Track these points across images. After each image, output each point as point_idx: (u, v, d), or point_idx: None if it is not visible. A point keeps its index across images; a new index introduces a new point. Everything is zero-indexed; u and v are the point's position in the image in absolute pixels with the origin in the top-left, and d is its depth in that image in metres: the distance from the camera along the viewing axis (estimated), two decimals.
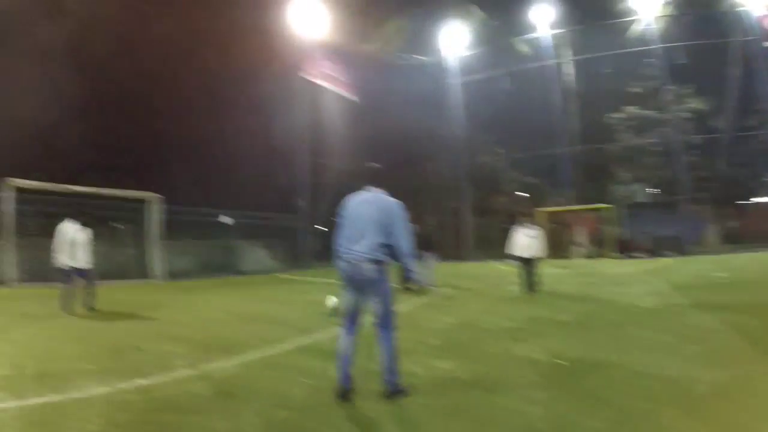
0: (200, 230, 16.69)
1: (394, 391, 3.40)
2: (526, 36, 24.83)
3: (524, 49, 24.86)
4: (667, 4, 22.55)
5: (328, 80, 23.98)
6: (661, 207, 24.13)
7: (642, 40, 22.80)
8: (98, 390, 3.74)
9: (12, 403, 3.48)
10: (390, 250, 3.51)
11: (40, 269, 11.50)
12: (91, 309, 7.44)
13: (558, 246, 22.83)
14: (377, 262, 3.46)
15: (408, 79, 25.15)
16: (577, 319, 6.40)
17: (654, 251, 21.24)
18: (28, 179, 11.49)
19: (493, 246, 21.31)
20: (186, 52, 18.37)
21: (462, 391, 3.57)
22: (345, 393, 3.38)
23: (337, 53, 24.27)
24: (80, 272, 7.47)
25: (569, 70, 24.69)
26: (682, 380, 3.61)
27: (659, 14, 22.68)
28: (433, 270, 10.79)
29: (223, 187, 19.32)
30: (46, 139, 15.24)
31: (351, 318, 3.57)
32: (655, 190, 24.86)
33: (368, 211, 3.55)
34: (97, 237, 8.16)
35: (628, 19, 23.11)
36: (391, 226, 3.49)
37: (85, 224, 7.70)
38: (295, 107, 21.54)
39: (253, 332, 5.99)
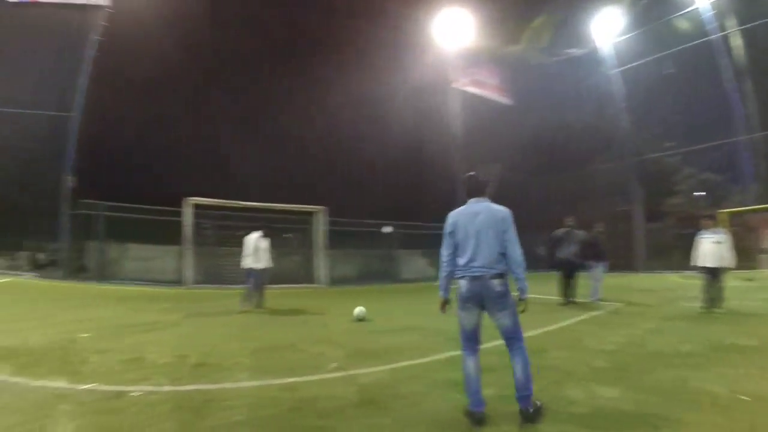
0: (362, 240, 17.85)
1: (534, 410, 3.22)
2: (683, 11, 21.19)
3: (684, 25, 21.19)
4: None
5: (480, 86, 23.82)
6: None
7: None
8: (249, 383, 4.16)
9: (167, 388, 4.03)
10: (506, 261, 3.35)
11: (214, 273, 13.62)
12: (259, 307, 8.67)
13: (741, 254, 18.89)
14: (501, 275, 3.31)
15: (562, 75, 23.72)
16: (763, 345, 5.64)
17: None
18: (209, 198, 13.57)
19: (668, 254, 18.73)
20: (343, 72, 19.81)
21: (626, 427, 3.17)
22: (480, 418, 3.21)
23: (486, 58, 24.02)
24: (259, 273, 8.79)
25: (737, 42, 20.26)
26: None
27: None
28: (602, 282, 10.06)
29: (384, 198, 20.42)
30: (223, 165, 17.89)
31: (474, 337, 3.44)
32: None
33: (482, 222, 3.39)
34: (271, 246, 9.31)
35: None
36: (505, 233, 3.35)
37: (265, 235, 9.05)
38: (449, 117, 21.81)
39: (407, 341, 6.12)
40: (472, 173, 3.64)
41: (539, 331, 6.76)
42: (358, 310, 7.85)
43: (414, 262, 18.66)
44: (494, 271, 3.29)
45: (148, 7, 15.87)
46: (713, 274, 8.05)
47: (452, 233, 3.51)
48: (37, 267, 13.99)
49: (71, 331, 6.31)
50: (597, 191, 23.53)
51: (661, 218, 21.97)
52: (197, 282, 13.05)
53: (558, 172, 24.52)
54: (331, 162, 20.43)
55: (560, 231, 10.07)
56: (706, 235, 8.19)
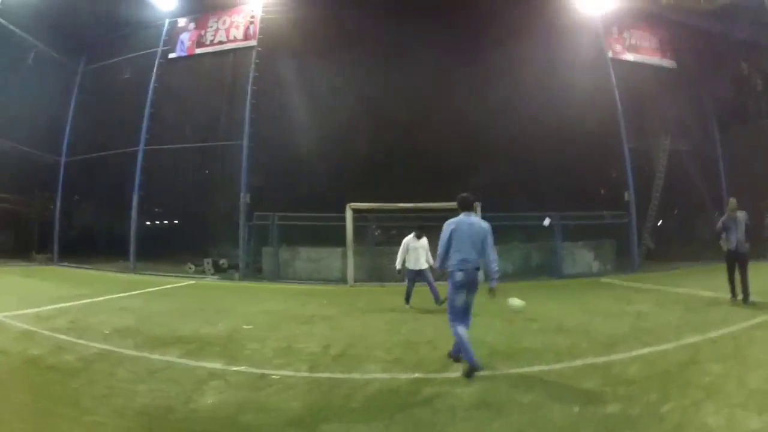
0: (524, 233, 17.16)
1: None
2: None
3: None
4: None
5: (637, 52, 20.90)
6: None
7: None
8: (378, 375, 4.47)
9: (304, 374, 4.57)
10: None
11: (374, 271, 14.47)
12: (437, 302, 8.65)
13: None
14: (479, 269, 4.84)
15: (732, 21, 19.29)
16: None
17: None
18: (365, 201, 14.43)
19: None
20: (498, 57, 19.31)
21: None
22: (479, 368, 4.46)
23: (637, 18, 20.98)
24: (420, 274, 8.95)
25: None
26: None
27: None
28: None
29: (545, 188, 19.39)
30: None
31: (465, 312, 4.86)
32: None
33: (474, 230, 4.85)
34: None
35: None
36: (485, 240, 4.82)
37: (419, 236, 9.12)
38: (608, 92, 19.54)
39: (549, 342, 5.82)
40: (464, 194, 5.07)
41: (698, 338, 5.82)
42: (515, 301, 7.29)
43: (578, 255, 17.10)
44: (478, 266, 4.82)
45: (292, 37, 17.80)
46: None
47: (451, 237, 4.86)
48: (220, 271, 16.49)
49: (238, 323, 7.35)
50: None
51: None
52: (358, 280, 13.96)
53: (747, 139, 20.12)
54: (488, 153, 19.90)
55: (723, 218, 8.55)
56: None
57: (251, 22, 17.90)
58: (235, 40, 18.12)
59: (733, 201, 8.52)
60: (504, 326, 6.98)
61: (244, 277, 15.56)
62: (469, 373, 4.41)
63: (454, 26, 19.93)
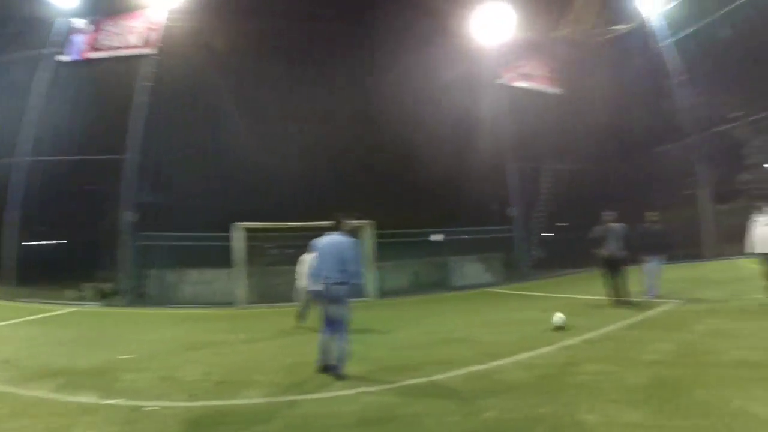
0: (412, 249, 17.62)
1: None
2: None
3: None
4: None
5: (527, 79, 23.17)
6: None
7: None
8: (257, 400, 4.35)
9: (182, 403, 4.36)
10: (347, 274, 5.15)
11: (265, 292, 14.04)
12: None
13: None
14: (342, 283, 5.13)
15: (613, 56, 22.40)
16: None
17: None
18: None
19: (740, 238, 16.94)
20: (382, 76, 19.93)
21: None
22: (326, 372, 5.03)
23: (530, 49, 23.34)
24: (316, 294, 8.74)
25: None
26: None
27: None
28: (657, 277, 9.34)
29: (433, 206, 20.08)
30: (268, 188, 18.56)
31: (330, 323, 5.24)
32: None
33: (335, 248, 5.24)
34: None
35: None
36: (345, 258, 5.15)
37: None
38: (496, 114, 21.28)
39: (435, 353, 5.97)
40: (339, 214, 5.49)
41: (577, 339, 6.32)
42: (558, 317, 7.34)
43: (468, 268, 18.23)
44: (339, 281, 5.14)
45: (189, 50, 17.04)
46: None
47: (317, 255, 5.33)
48: (103, 297, 15.02)
49: (118, 353, 6.84)
50: (663, 175, 21.90)
51: (732, 199, 20.02)
52: (249, 302, 13.59)
53: (621, 158, 23.15)
54: (375, 173, 20.47)
55: (599, 228, 9.51)
56: (759, 218, 7.43)
57: (152, 29, 16.83)
58: (133, 46, 16.92)
59: (609, 214, 9.53)
60: (389, 341, 7.17)
61: (129, 302, 14.40)
62: (321, 371, 5.09)
63: (356, 49, 20.56)
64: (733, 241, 18.29)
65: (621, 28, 23.21)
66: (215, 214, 15.23)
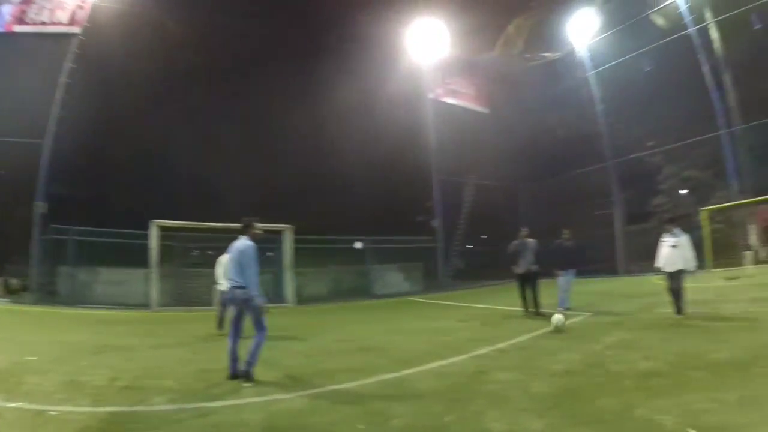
0: (334, 256, 17.65)
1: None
2: (659, 6, 21.15)
3: (659, 21, 21.22)
4: None
5: (457, 96, 23.92)
6: None
7: None
8: (163, 407, 4.17)
9: (86, 408, 4.12)
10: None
11: (181, 295, 13.50)
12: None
13: (725, 252, 18.75)
14: (241, 287, 5.07)
15: (540, 80, 23.74)
16: (738, 358, 4.97)
17: None
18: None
19: (650, 257, 18.51)
20: (315, 86, 19.84)
21: None
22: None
23: (462, 67, 24.11)
24: (223, 295, 8.27)
25: (714, 35, 20.16)
26: None
27: None
28: (569, 290, 9.82)
29: (359, 214, 20.19)
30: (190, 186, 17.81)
31: (235, 327, 5.23)
32: None
33: (236, 253, 5.20)
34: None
35: None
36: (242, 262, 5.09)
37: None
38: (426, 129, 21.76)
39: (347, 362, 5.92)
40: (247, 218, 5.43)
41: (488, 348, 6.43)
42: (558, 320, 7.52)
43: (389, 277, 18.40)
44: (239, 285, 5.08)
45: (118, 35, 15.99)
46: (672, 278, 7.88)
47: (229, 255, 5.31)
48: (10, 292, 13.94)
49: (22, 354, 6.34)
50: (581, 196, 23.49)
51: (645, 220, 21.86)
52: (164, 305, 12.93)
53: (542, 178, 24.55)
54: (302, 178, 20.33)
55: (515, 243, 10.03)
56: (666, 238, 8.08)
57: (81, 7, 15.65)
58: (59, 23, 15.66)
59: (524, 230, 10.05)
60: (304, 348, 7.07)
61: (37, 300, 13.33)
62: (232, 378, 5.00)
63: (291, 52, 20.36)
64: (644, 258, 20.13)
65: (550, 55, 24.69)
66: (136, 210, 14.41)
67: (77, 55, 15.48)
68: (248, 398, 4.45)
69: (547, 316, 8.94)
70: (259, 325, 5.15)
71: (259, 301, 5.09)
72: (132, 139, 17.33)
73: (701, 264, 16.70)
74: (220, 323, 8.40)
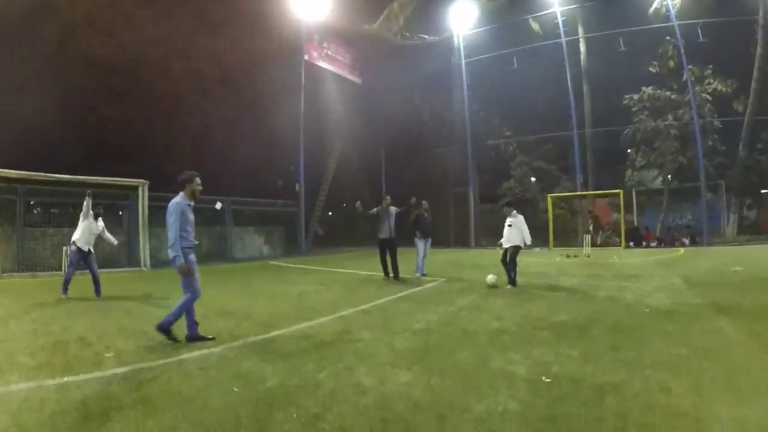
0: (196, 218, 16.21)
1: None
2: (537, 13, 23.48)
3: (535, 27, 23.50)
4: None
5: (330, 62, 23.22)
6: (678, 194, 22.90)
7: (659, 16, 21.42)
8: (21, 385, 3.55)
9: None
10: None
11: (24, 260, 11.42)
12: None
13: (566, 234, 21.98)
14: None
15: (415, 60, 24.15)
16: (576, 321, 5.55)
17: (668, 241, 20.34)
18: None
19: (499, 233, 20.54)
20: (183, 38, 17.80)
21: (411, 417, 2.86)
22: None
23: (340, 35, 23.44)
24: (88, 258, 7.79)
25: (582, 48, 23.46)
26: (693, 416, 2.76)
27: None
28: (425, 257, 10.57)
29: (220, 174, 18.90)
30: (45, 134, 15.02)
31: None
32: (671, 177, 23.38)
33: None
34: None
35: None
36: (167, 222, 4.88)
37: (97, 215, 8.03)
38: (295, 92, 20.72)
39: (209, 327, 5.40)
40: (187, 173, 5.27)
41: (352, 310, 6.55)
42: (491, 278, 8.61)
43: (250, 241, 17.65)
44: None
45: None
46: (507, 252, 8.65)
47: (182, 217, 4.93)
48: None
49: None
50: (441, 173, 24.96)
51: (496, 200, 24.12)
52: (5, 270, 10.66)
53: (407, 153, 25.42)
54: (157, 131, 18.16)
55: (378, 209, 10.30)
56: (509, 219, 8.79)
57: None
58: None
59: (387, 199, 10.33)
60: (163, 314, 6.25)
61: None
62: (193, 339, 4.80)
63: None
64: (494, 234, 22.18)
65: (428, 37, 25.40)
66: None
67: None
68: (112, 369, 3.89)
69: (406, 281, 9.44)
70: (184, 287, 4.88)
71: (179, 261, 4.76)
72: None
73: (544, 243, 19.29)
74: (65, 286, 7.68)
